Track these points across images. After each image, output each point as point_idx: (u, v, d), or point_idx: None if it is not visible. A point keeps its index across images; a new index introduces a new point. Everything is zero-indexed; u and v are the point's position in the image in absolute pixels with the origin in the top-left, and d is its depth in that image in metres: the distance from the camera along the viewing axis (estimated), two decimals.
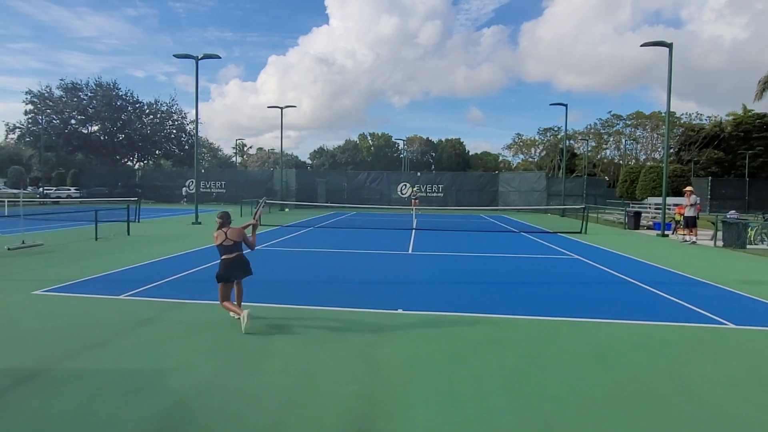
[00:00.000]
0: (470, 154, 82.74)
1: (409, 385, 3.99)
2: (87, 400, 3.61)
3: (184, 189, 40.03)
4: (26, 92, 49.77)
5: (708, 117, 54.08)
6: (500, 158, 78.38)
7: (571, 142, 58.09)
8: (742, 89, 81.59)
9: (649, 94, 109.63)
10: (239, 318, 5.36)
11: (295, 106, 37.03)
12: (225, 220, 5.66)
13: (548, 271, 9.76)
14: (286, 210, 31.20)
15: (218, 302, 5.64)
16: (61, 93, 50.58)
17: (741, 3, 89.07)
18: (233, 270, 5.57)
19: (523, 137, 68.83)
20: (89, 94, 51.67)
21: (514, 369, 4.37)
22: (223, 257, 5.56)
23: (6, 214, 18.34)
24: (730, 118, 50.72)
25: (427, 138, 79.53)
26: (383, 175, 40.88)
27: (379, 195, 38.49)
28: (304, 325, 5.67)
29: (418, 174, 41.91)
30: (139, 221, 19.13)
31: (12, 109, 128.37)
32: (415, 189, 35.87)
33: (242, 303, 5.90)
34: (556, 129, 62.38)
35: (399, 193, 39.00)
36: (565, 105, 30.78)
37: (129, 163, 57.93)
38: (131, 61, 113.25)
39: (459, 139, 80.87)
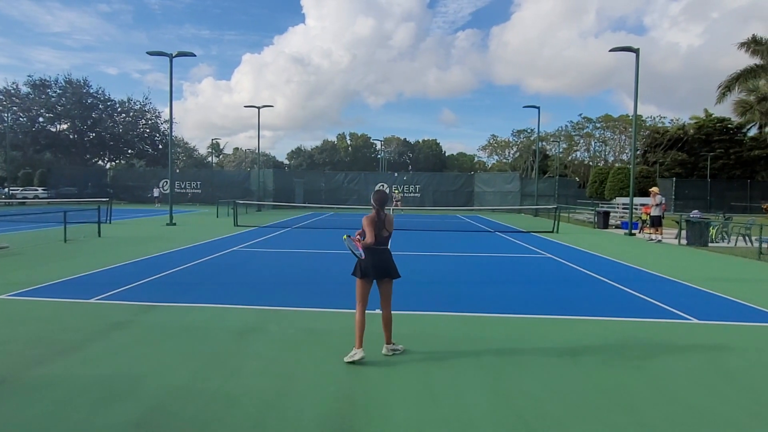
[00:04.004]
0: (446, 155, 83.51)
1: (387, 384, 4.04)
2: (57, 407, 3.52)
3: (156, 190, 38.59)
4: None
5: (671, 120, 56.11)
6: (475, 159, 79.39)
7: (543, 143, 59.28)
8: (699, 94, 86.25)
9: (613, 98, 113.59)
10: (355, 351, 4.44)
11: (272, 106, 36.84)
12: (382, 204, 4.54)
13: (522, 270, 9.97)
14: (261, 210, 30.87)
15: (196, 304, 5.42)
16: (29, 90, 48.83)
17: (696, 12, 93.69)
18: (379, 262, 4.47)
19: (498, 138, 69.91)
20: (58, 91, 49.93)
21: (490, 367, 4.46)
22: (370, 246, 4.51)
23: None
24: (693, 121, 52.66)
25: (404, 139, 79.97)
26: (361, 176, 40.88)
27: (357, 195, 38.46)
28: (282, 326, 5.64)
29: (395, 174, 42.05)
30: (110, 222, 18.63)
31: None
32: (399, 191, 36.14)
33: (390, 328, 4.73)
34: (529, 131, 63.61)
35: None
36: (538, 107, 31.45)
37: (100, 162, 56.24)
38: (104, 57, 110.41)
39: (435, 140, 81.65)
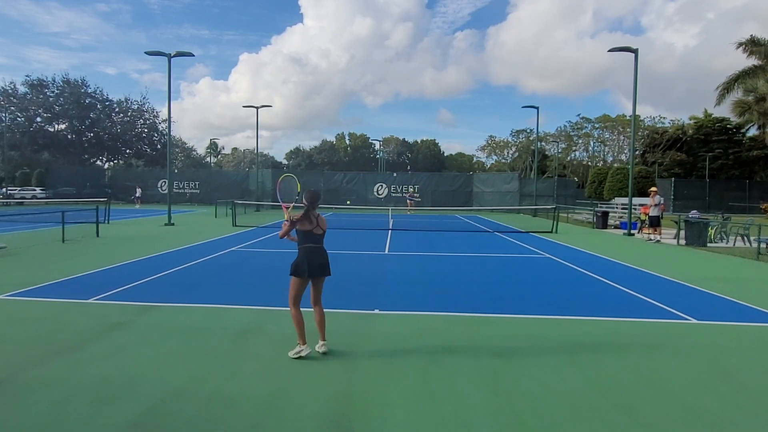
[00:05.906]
0: (445, 155, 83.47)
1: (386, 384, 4.03)
2: (55, 408, 3.51)
3: (138, 190, 36.59)
4: None
5: (671, 120, 56.20)
6: (474, 159, 79.35)
7: (542, 144, 59.33)
8: (695, 94, 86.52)
9: (610, 98, 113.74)
10: (301, 347, 4.58)
11: (270, 106, 36.79)
12: (313, 202, 4.65)
13: (521, 270, 9.97)
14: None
15: (194, 305, 5.47)
16: (27, 90, 48.70)
17: (691, 12, 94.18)
18: (316, 260, 4.60)
19: (496, 139, 69.90)
20: (56, 91, 49.81)
21: (488, 367, 4.46)
22: (305, 244, 4.66)
23: None
24: (692, 121, 52.74)
25: (403, 139, 79.95)
26: (360, 176, 40.88)
27: (356, 195, 38.49)
28: (281, 327, 5.63)
29: (394, 174, 42.00)
30: (108, 223, 18.60)
31: None
32: (412, 191, 36.37)
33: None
34: (528, 131, 63.64)
35: (375, 193, 39.03)
36: (536, 107, 31.45)
37: (98, 162, 56.18)
38: (102, 57, 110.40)
39: (434, 140, 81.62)
